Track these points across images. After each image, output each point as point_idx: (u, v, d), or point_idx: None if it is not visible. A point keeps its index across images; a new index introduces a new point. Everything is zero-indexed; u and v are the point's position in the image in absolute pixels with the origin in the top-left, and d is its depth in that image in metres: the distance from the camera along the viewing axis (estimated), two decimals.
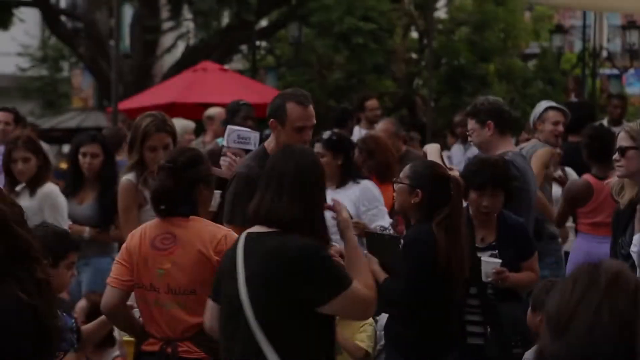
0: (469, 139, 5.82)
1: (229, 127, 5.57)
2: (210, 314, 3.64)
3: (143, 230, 4.00)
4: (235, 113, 7.59)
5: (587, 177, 6.50)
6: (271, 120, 4.80)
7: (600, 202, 6.36)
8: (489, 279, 4.64)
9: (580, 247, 6.52)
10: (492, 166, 4.92)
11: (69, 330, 4.07)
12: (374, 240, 4.77)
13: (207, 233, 3.88)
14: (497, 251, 4.79)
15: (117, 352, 4.91)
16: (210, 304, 3.64)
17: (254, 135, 5.46)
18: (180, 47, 20.80)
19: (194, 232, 3.89)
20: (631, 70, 22.75)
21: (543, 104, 7.08)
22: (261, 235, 3.45)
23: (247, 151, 5.24)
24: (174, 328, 3.87)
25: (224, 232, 3.91)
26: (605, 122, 10.20)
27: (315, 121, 4.81)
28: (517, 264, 4.88)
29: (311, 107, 4.80)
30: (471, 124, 5.65)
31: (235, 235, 3.83)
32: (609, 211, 5.65)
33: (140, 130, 5.31)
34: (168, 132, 5.35)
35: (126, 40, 22.06)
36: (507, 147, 5.60)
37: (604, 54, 21.84)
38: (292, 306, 3.35)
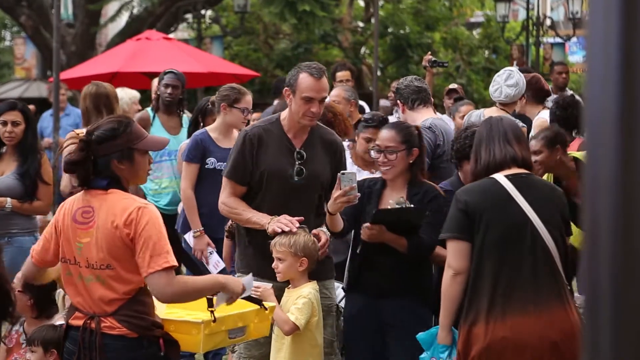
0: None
1: None
2: (459, 255, 4.19)
3: (70, 203, 3.94)
4: (160, 81, 7.70)
5: None
6: (285, 88, 4.95)
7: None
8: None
9: None
10: None
11: None
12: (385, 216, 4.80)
13: (121, 206, 3.79)
14: None
15: (57, 323, 4.89)
16: (457, 245, 4.20)
17: None
18: (125, 16, 20.55)
19: (109, 205, 3.81)
20: (574, 39, 22.98)
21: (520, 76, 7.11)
22: (525, 175, 4.28)
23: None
24: (96, 302, 3.81)
25: (138, 204, 3.79)
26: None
27: (327, 95, 4.94)
28: None
29: (324, 81, 4.88)
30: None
31: (152, 207, 3.83)
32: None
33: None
34: None
35: (69, 9, 21.75)
36: (426, 116, 6.12)
37: (548, 22, 21.98)
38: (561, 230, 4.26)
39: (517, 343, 4.06)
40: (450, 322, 4.31)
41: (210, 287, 3.94)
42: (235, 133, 6.66)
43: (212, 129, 6.63)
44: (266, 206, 4.88)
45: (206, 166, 6.57)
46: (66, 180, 6.39)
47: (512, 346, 4.06)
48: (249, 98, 6.62)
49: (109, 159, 3.86)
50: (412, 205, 4.85)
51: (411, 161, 4.92)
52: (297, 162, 4.89)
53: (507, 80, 7.07)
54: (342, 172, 4.72)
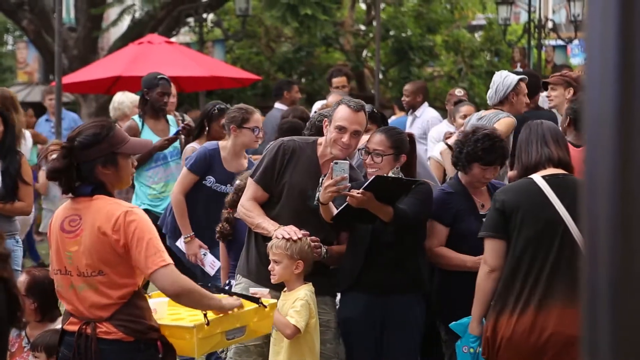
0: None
1: None
2: (495, 253, 4.41)
3: (58, 213, 3.94)
4: (152, 88, 7.58)
5: None
6: (324, 119, 5.08)
7: (576, 167, 6.52)
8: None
9: None
10: (500, 142, 5.11)
11: None
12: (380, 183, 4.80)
13: (106, 212, 3.78)
14: None
15: (59, 326, 4.90)
16: (493, 244, 4.42)
17: None
18: (127, 20, 20.55)
19: (94, 211, 3.80)
20: (576, 41, 22.97)
21: (513, 75, 7.08)
22: (562, 175, 4.46)
23: None
24: (89, 310, 3.80)
25: (123, 209, 3.79)
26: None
27: (361, 130, 4.95)
28: None
29: (361, 115, 4.94)
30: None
31: (139, 210, 3.84)
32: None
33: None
34: None
35: (71, 13, 21.75)
36: None
37: (549, 25, 21.96)
38: None
39: (540, 334, 4.26)
40: (482, 314, 4.50)
41: (213, 300, 3.94)
42: (244, 162, 6.56)
43: (223, 147, 6.52)
44: (282, 220, 4.93)
45: (203, 182, 6.50)
46: (42, 178, 6.37)
47: (536, 337, 4.27)
48: (257, 116, 6.48)
49: (94, 165, 3.84)
50: (404, 177, 4.96)
51: (398, 167, 5.00)
52: (319, 187, 4.92)
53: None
54: (335, 161, 4.77)
